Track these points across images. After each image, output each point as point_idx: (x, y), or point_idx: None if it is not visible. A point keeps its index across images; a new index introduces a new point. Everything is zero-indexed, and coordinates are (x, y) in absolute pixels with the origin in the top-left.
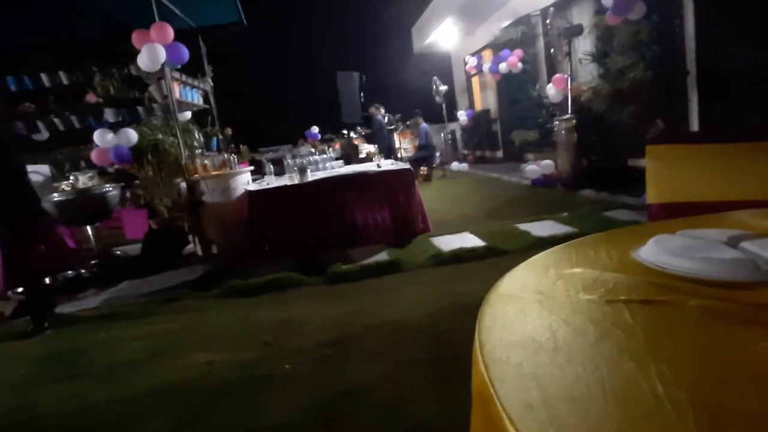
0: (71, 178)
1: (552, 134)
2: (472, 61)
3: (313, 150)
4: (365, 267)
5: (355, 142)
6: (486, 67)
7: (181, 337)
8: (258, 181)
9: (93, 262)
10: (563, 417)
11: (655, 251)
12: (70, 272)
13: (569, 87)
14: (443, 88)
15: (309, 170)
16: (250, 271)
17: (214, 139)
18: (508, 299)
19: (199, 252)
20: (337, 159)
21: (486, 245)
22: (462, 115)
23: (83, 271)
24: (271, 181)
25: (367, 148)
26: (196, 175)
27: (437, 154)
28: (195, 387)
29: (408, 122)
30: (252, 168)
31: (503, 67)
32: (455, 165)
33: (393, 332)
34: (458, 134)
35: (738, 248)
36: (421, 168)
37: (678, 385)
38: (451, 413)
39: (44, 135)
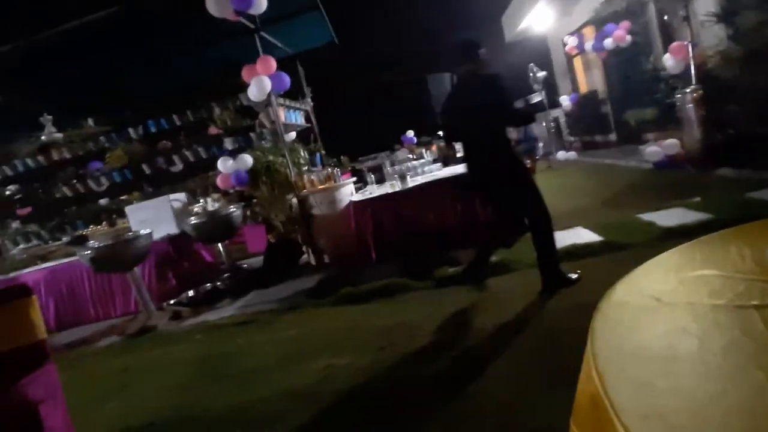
0: (201, 201)
1: (674, 110)
2: (572, 42)
3: (410, 155)
4: None
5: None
6: (589, 45)
7: (304, 342)
8: (361, 191)
9: (225, 275)
10: (682, 429)
11: None
12: (208, 285)
13: (691, 55)
14: (541, 74)
15: (408, 176)
16: (360, 279)
17: (318, 155)
18: (622, 307)
19: (313, 262)
20: (434, 162)
21: (602, 240)
22: (565, 100)
23: (218, 283)
24: (373, 190)
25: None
26: (305, 191)
27: (540, 144)
28: (321, 389)
29: None
30: (354, 179)
31: (609, 42)
32: (561, 154)
33: (508, 335)
34: (562, 121)
35: None
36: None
37: None
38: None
39: (179, 166)
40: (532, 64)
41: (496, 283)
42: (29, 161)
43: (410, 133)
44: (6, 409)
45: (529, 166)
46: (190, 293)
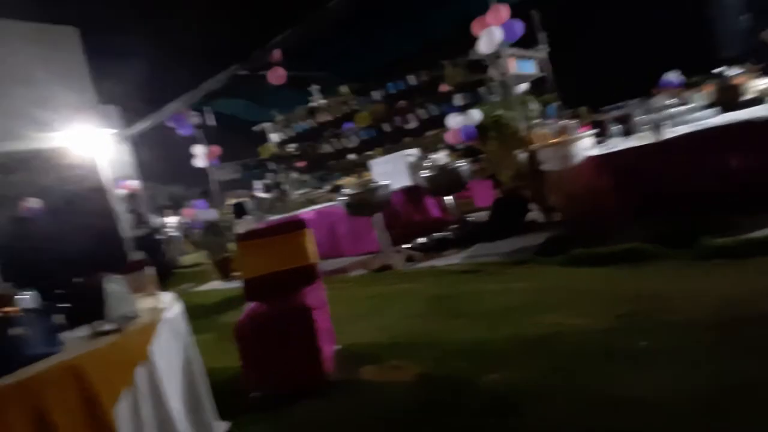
0: (431, 157)
1: None
2: None
3: (671, 101)
4: (754, 241)
5: (737, 82)
6: None
7: (531, 297)
8: (602, 144)
9: (453, 226)
10: None
11: None
12: (437, 234)
13: None
14: None
15: (665, 125)
16: (595, 240)
17: (552, 107)
18: None
19: (542, 219)
20: (708, 107)
21: None
22: None
23: (447, 233)
24: (616, 144)
25: (759, 86)
26: (535, 145)
27: None
28: (547, 345)
29: None
30: (596, 131)
31: None
32: None
33: None
34: None
35: None
36: None
37: None
38: None
39: (414, 124)
40: None
41: None
42: (303, 123)
43: (672, 75)
44: (293, 308)
45: None
46: (422, 240)
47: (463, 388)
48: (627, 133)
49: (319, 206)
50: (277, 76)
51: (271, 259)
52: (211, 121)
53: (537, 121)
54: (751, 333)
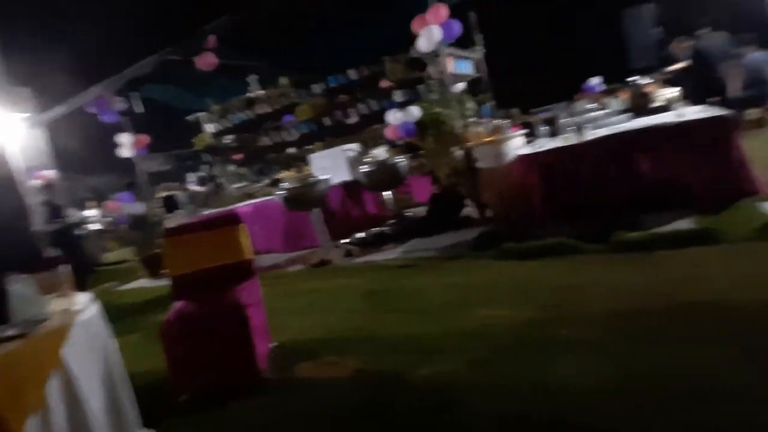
0: (371, 152)
1: None
2: None
3: (592, 105)
4: (660, 236)
5: (647, 90)
6: None
7: (465, 291)
8: (530, 144)
9: (391, 221)
10: None
11: None
12: (376, 229)
13: None
14: None
15: (587, 128)
16: (524, 236)
17: (486, 106)
18: None
19: (476, 215)
20: (623, 112)
21: None
22: None
23: (385, 228)
24: (543, 144)
25: (666, 95)
26: (470, 143)
27: None
28: (479, 337)
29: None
30: (526, 131)
31: None
32: None
33: (703, 314)
34: None
35: None
36: (749, 112)
37: None
38: None
39: (354, 119)
40: None
41: (693, 254)
42: (241, 114)
43: (594, 81)
44: (226, 306)
45: (755, 118)
46: (360, 235)
47: (399, 382)
48: (553, 134)
49: (256, 200)
50: (207, 62)
51: (201, 255)
52: (138, 107)
53: (473, 119)
54: (658, 321)
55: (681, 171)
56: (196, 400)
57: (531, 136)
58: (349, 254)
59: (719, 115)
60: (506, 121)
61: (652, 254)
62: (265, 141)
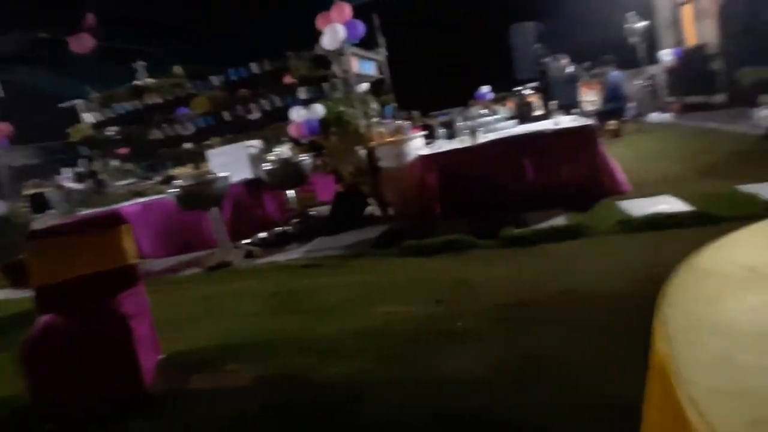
0: (275, 150)
1: None
2: None
3: (483, 111)
4: (541, 231)
5: (530, 99)
6: None
7: (367, 289)
8: (430, 145)
9: (295, 220)
10: (763, 407)
11: None
12: (278, 228)
13: None
14: (641, 24)
15: (479, 132)
16: (424, 233)
17: (389, 107)
18: (705, 274)
19: (378, 213)
20: (510, 119)
21: (694, 210)
22: (666, 55)
23: (288, 227)
24: (441, 146)
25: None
26: (373, 143)
27: (631, 105)
28: (382, 334)
29: (594, 71)
30: (425, 133)
31: None
32: (654, 116)
33: (574, 301)
34: (660, 79)
35: None
36: (608, 123)
37: None
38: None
39: (256, 115)
40: (631, 13)
41: (566, 247)
42: (126, 104)
43: (485, 89)
44: (105, 318)
45: (614, 128)
46: (262, 235)
47: (302, 385)
48: (450, 136)
49: (145, 199)
50: (82, 44)
51: (73, 261)
52: None
53: (376, 119)
54: (542, 309)
55: (558, 173)
56: (64, 429)
57: (430, 137)
58: (250, 255)
59: (586, 125)
60: (407, 123)
61: (534, 248)
62: (156, 134)
